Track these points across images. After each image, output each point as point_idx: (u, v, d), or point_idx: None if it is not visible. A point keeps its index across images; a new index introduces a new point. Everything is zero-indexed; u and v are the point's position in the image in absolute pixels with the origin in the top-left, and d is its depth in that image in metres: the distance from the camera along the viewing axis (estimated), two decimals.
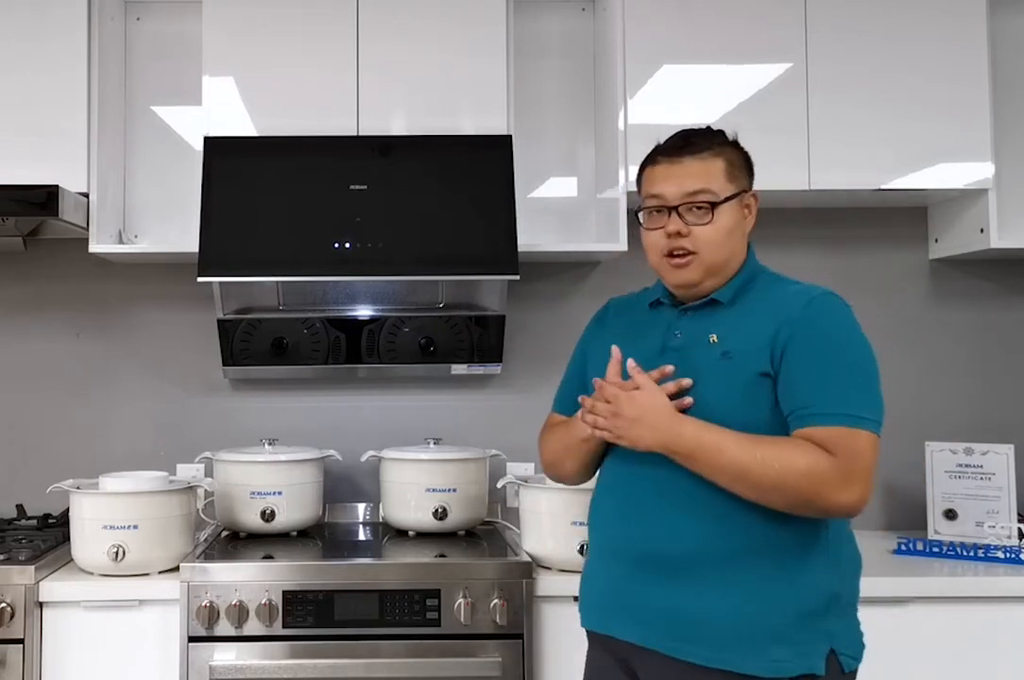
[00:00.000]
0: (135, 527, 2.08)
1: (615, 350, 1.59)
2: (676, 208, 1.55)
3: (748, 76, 2.39)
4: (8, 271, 2.69)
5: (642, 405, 1.50)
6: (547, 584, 2.07)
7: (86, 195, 2.38)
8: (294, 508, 2.37)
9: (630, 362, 1.55)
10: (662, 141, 1.63)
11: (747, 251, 1.63)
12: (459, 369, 2.64)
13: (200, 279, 2.26)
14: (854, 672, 1.52)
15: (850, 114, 2.38)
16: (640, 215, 1.62)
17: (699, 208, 1.54)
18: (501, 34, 2.43)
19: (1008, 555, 2.21)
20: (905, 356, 2.71)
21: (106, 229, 2.46)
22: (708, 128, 1.63)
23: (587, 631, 1.67)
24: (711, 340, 1.55)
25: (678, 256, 1.56)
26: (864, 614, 2.06)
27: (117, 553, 2.06)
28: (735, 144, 1.62)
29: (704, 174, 1.55)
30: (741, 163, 1.61)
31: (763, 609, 1.46)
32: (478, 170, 2.35)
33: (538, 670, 2.02)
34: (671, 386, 1.54)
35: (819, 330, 1.50)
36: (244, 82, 2.41)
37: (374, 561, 2.10)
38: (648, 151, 1.64)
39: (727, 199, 1.55)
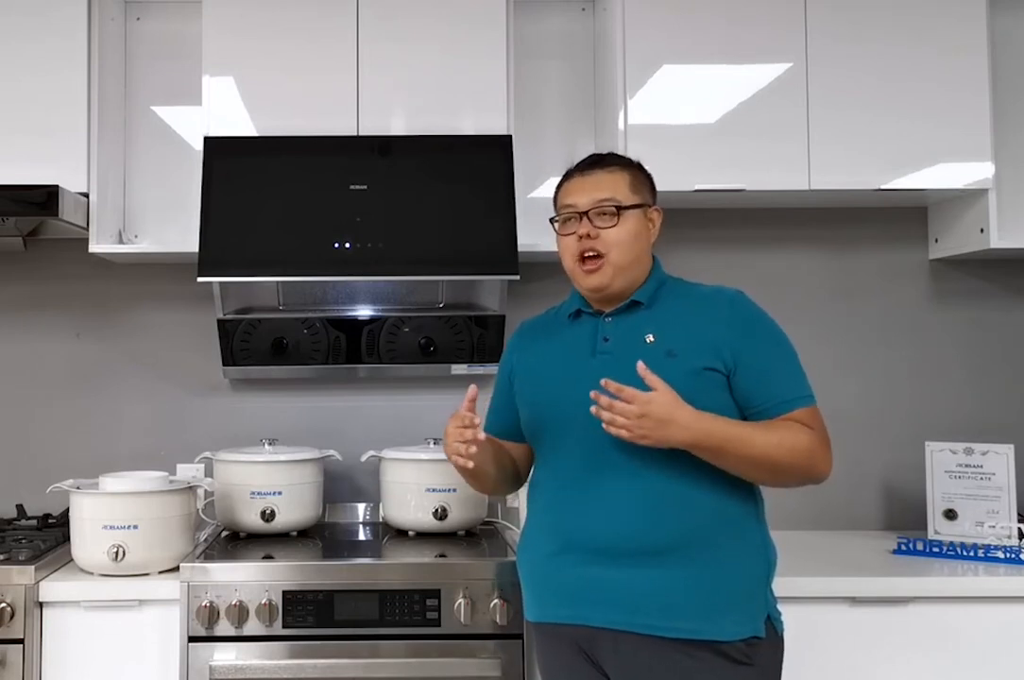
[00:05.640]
0: (135, 527, 2.08)
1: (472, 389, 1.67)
2: (587, 213, 1.71)
3: (748, 76, 2.39)
4: (8, 271, 2.69)
5: (667, 405, 1.54)
6: None
7: (86, 195, 2.38)
8: (294, 508, 2.38)
9: (640, 364, 1.56)
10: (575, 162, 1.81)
11: (654, 262, 1.79)
12: (459, 369, 2.64)
13: (200, 279, 2.26)
14: (782, 635, 1.68)
15: (850, 114, 2.38)
16: (556, 224, 1.79)
17: (606, 213, 1.70)
18: (501, 34, 2.43)
19: (1008, 555, 2.21)
20: (905, 356, 2.71)
21: (106, 229, 2.46)
22: (615, 153, 1.83)
23: (538, 623, 1.76)
24: (647, 340, 1.68)
25: (590, 260, 1.71)
26: (864, 614, 2.08)
27: (117, 553, 2.06)
28: (639, 166, 1.80)
29: (611, 184, 1.73)
30: (644, 180, 1.78)
31: (723, 584, 1.61)
32: (478, 170, 2.35)
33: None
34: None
35: (757, 328, 1.68)
36: (244, 82, 2.41)
37: (374, 561, 2.10)
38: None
39: (631, 207, 1.71)
